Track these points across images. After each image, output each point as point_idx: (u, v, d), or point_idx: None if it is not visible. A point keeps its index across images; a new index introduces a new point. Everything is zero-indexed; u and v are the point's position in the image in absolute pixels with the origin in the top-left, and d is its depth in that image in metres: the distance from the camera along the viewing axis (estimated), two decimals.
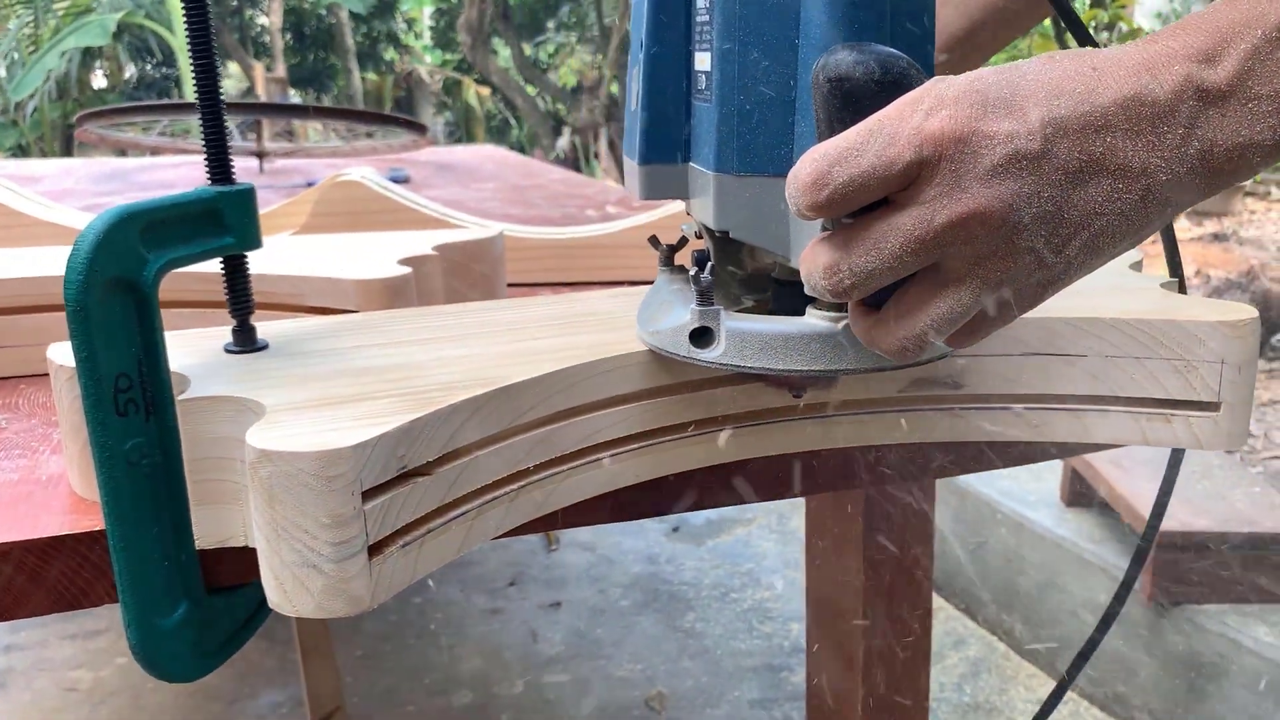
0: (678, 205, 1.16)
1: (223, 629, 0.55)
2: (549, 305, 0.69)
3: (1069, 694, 2.00)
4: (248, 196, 0.56)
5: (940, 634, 2.23)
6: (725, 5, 0.50)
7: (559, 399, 0.55)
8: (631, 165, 0.58)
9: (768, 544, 2.70)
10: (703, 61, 0.53)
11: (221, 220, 0.55)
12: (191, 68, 0.54)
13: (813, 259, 0.45)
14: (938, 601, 2.36)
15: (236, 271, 0.57)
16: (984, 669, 2.10)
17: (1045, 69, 0.42)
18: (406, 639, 2.23)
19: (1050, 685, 2.02)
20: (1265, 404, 3.19)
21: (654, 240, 0.64)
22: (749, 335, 0.52)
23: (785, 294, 0.56)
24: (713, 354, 0.53)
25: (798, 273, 0.47)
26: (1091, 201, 0.42)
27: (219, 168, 0.55)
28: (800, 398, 0.60)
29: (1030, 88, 0.42)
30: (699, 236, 0.60)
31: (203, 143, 0.55)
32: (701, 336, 0.53)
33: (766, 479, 0.65)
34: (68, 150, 6.11)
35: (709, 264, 0.53)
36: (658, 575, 2.53)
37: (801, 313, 0.53)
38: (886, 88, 0.43)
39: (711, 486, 0.63)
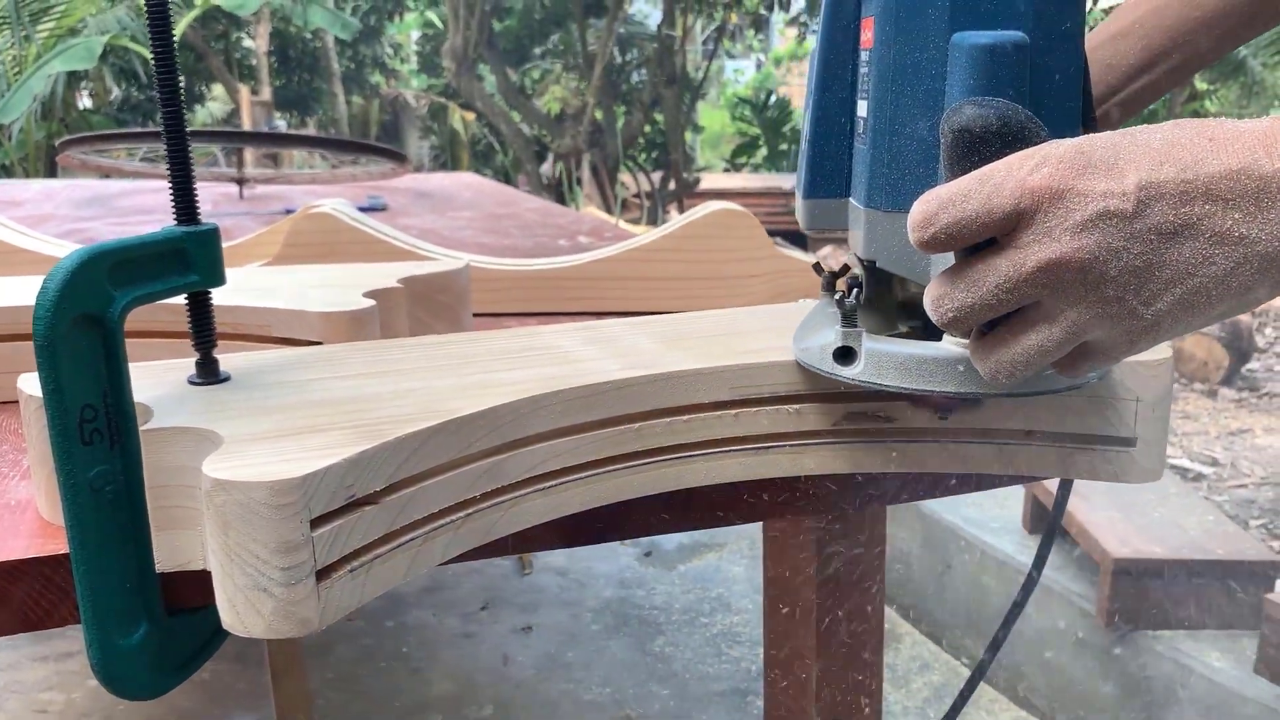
0: (642, 240, 1.20)
1: (182, 649, 0.57)
2: (505, 339, 0.72)
3: (1029, 718, 2.03)
4: (212, 236, 0.59)
5: (906, 659, 2.26)
6: (881, 60, 0.56)
7: (505, 431, 0.58)
8: (798, 198, 0.64)
9: (738, 569, 2.73)
10: (862, 108, 0.59)
11: (187, 259, 0.58)
12: (160, 113, 0.57)
13: (928, 291, 0.50)
14: (905, 626, 2.39)
15: (200, 308, 0.60)
16: (947, 693, 2.13)
17: (1161, 136, 0.46)
18: (379, 662, 2.24)
19: (1012, 709, 2.05)
20: (1234, 433, 3.24)
21: (817, 267, 0.70)
22: (886, 356, 0.57)
23: (930, 323, 0.61)
24: (852, 371, 0.58)
25: None
26: (1185, 262, 0.45)
27: (185, 208, 0.58)
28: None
29: (1137, 153, 0.45)
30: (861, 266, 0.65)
31: (169, 183, 0.58)
32: (844, 355, 0.58)
33: (707, 508, 0.68)
34: (52, 171, 6.10)
35: (855, 290, 0.59)
36: (629, 600, 2.55)
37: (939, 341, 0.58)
38: (1004, 140, 0.48)
39: (654, 514, 0.66)
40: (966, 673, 2.20)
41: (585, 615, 2.47)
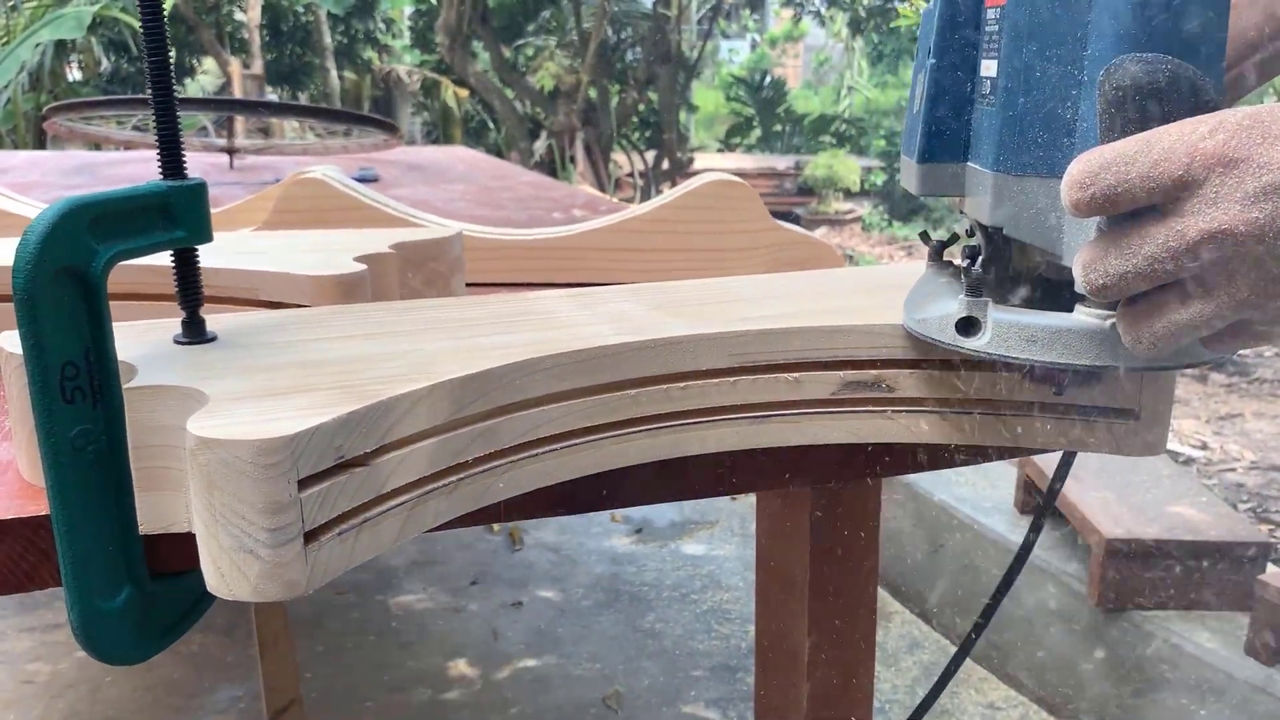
0: (638, 211, 1.18)
1: (166, 613, 0.56)
2: (498, 304, 0.70)
3: (1019, 697, 2.03)
4: (199, 191, 0.57)
5: (896, 637, 2.26)
6: (1015, 16, 0.53)
7: (499, 394, 0.56)
8: (909, 163, 0.62)
9: (729, 546, 2.72)
10: (989, 68, 0.56)
11: (173, 214, 0.56)
12: (146, 62, 0.56)
13: (1079, 256, 0.48)
14: (895, 605, 2.40)
15: (187, 265, 0.58)
16: (937, 672, 2.13)
17: None
18: (368, 635, 2.23)
19: (1001, 689, 2.06)
20: (1224, 417, 3.24)
21: (924, 235, 0.68)
22: (1015, 327, 0.55)
23: (1051, 293, 0.59)
24: (978, 343, 0.56)
25: (1065, 272, 0.50)
26: None
27: (171, 162, 0.57)
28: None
29: None
30: (970, 234, 0.63)
31: (155, 137, 0.56)
32: (968, 326, 0.56)
33: (702, 477, 0.67)
34: (41, 142, 6.04)
35: (980, 258, 0.56)
36: (619, 576, 2.55)
37: (1066, 312, 0.55)
38: (1171, 98, 0.45)
39: (650, 482, 0.65)
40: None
41: (575, 591, 2.46)
